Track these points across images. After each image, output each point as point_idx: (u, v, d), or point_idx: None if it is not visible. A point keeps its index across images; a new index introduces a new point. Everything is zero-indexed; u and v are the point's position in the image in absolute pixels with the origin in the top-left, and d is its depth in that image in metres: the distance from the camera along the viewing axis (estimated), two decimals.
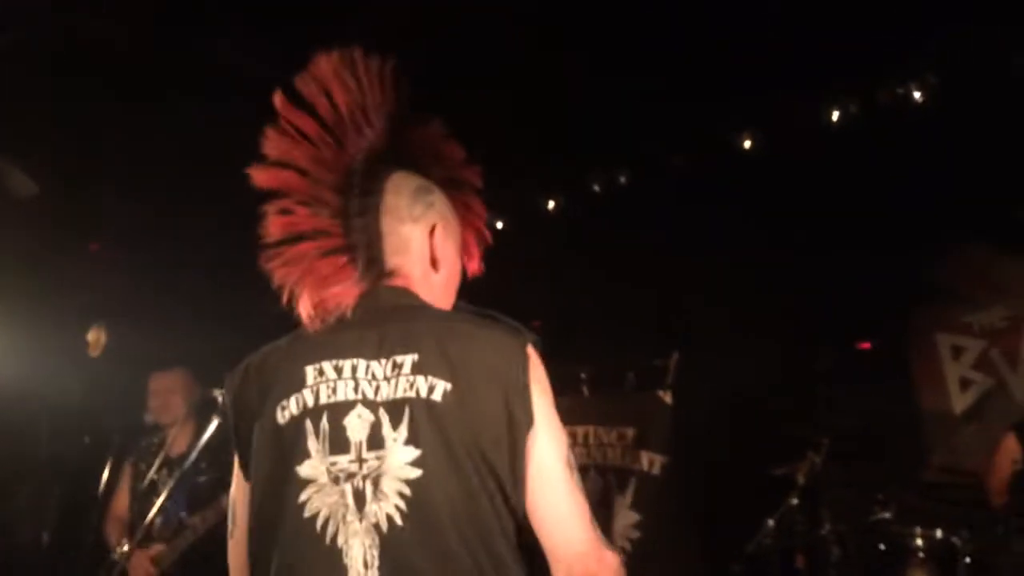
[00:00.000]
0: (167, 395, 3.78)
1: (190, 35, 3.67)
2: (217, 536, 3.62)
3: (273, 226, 1.56)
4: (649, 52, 4.01)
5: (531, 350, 1.50)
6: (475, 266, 1.75)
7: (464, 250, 1.72)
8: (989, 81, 4.10)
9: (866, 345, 5.75)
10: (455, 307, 1.65)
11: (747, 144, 4.56)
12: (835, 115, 4.26)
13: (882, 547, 4.23)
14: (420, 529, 1.40)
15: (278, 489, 1.47)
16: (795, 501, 4.28)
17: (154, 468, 3.50)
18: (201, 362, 3.76)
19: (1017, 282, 5.36)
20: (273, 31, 3.66)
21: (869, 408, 5.50)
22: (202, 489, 3.57)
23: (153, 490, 3.44)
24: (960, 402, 5.53)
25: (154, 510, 3.09)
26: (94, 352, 4.54)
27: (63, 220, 4.43)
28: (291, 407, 1.49)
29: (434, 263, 1.62)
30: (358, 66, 1.59)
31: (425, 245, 1.61)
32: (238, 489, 1.59)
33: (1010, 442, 4.23)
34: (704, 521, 4.84)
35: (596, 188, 5.18)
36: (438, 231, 1.62)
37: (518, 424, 1.44)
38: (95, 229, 4.63)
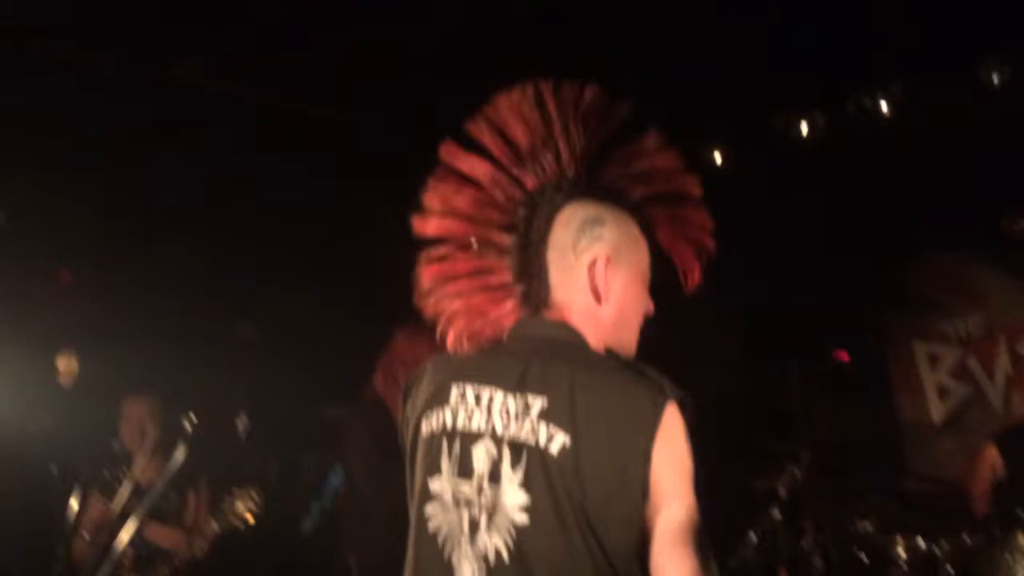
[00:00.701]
0: (140, 421, 3.74)
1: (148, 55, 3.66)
2: (193, 562, 3.58)
3: (427, 272, 1.60)
4: (619, 66, 4.02)
5: (668, 413, 1.43)
6: (694, 279, 1.71)
7: (681, 264, 1.70)
8: (958, 91, 4.14)
9: (843, 355, 5.76)
10: (609, 352, 1.58)
11: (718, 158, 4.57)
12: (804, 127, 4.28)
13: (864, 558, 4.22)
14: (520, 570, 1.42)
15: (417, 494, 1.56)
16: (777, 514, 4.26)
17: (122, 497, 3.44)
18: (169, 389, 3.72)
19: (993, 290, 5.40)
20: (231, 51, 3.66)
21: (848, 418, 5.51)
22: (171, 516, 3.52)
23: (122, 519, 3.38)
24: (938, 410, 5.55)
25: (125, 540, 3.03)
26: (65, 380, 4.50)
27: (32, 248, 4.39)
28: (433, 421, 1.56)
29: (596, 296, 1.57)
30: (545, 99, 1.59)
31: (588, 277, 1.57)
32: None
33: (990, 452, 4.24)
34: None
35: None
36: (599, 263, 1.57)
37: (635, 493, 1.40)
38: (65, 256, 4.59)
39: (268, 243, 4.47)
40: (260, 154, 4.17)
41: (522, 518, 1.44)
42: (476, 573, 1.46)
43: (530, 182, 1.59)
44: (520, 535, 1.43)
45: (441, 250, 1.60)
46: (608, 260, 1.57)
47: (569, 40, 3.76)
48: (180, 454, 2.88)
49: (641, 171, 1.64)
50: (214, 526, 3.44)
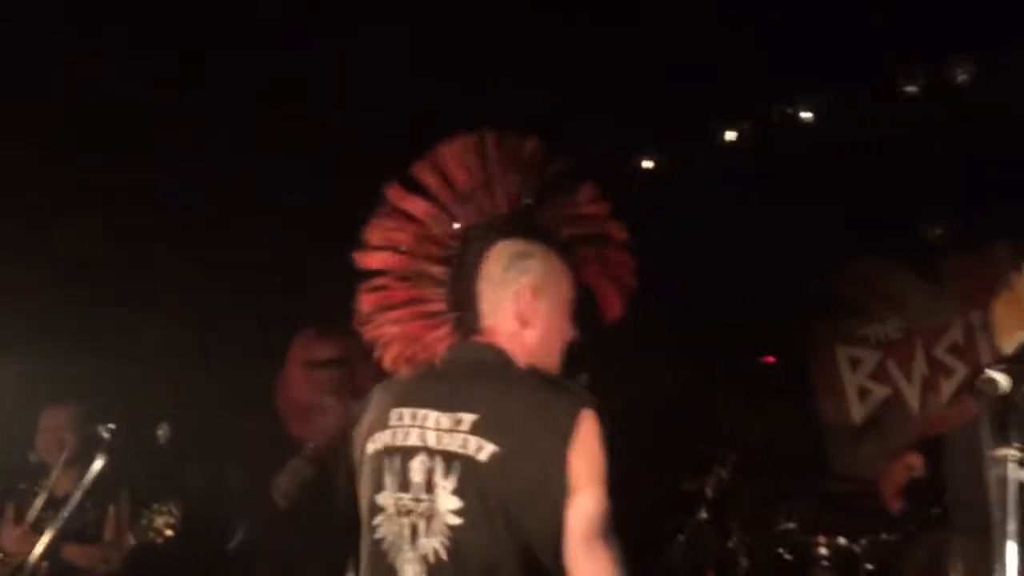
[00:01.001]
0: (59, 432, 3.62)
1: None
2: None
3: (366, 301, 1.78)
4: (548, 70, 4.06)
5: (584, 420, 1.61)
6: (614, 314, 1.88)
7: (603, 298, 1.86)
8: (878, 102, 4.26)
9: (770, 359, 5.89)
10: (532, 368, 1.76)
11: (646, 164, 4.64)
12: (730, 135, 4.37)
13: (788, 556, 4.32)
14: (456, 569, 1.62)
15: (367, 509, 1.76)
16: (704, 515, 4.33)
17: (37, 509, 3.34)
18: (89, 400, 3.63)
19: (911, 296, 5.58)
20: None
21: (773, 421, 5.64)
22: (89, 528, 3.43)
23: (38, 532, 3.28)
24: (859, 411, 5.71)
25: (39, 554, 2.94)
26: None
27: None
28: (377, 442, 1.76)
29: (522, 321, 1.75)
30: (487, 146, 1.78)
31: (513, 305, 1.75)
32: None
33: (911, 458, 4.36)
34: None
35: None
36: (525, 293, 1.75)
37: (554, 492, 1.59)
38: None
39: (193, 249, 4.40)
40: (182, 154, 4.11)
41: (456, 520, 1.63)
42: (417, 574, 1.65)
43: (465, 220, 1.76)
44: (455, 535, 1.62)
45: (381, 280, 1.77)
46: (533, 290, 1.75)
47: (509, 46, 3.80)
48: (97, 465, 2.80)
49: (572, 215, 1.82)
50: (131, 541, 3.36)
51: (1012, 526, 1.07)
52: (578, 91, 4.16)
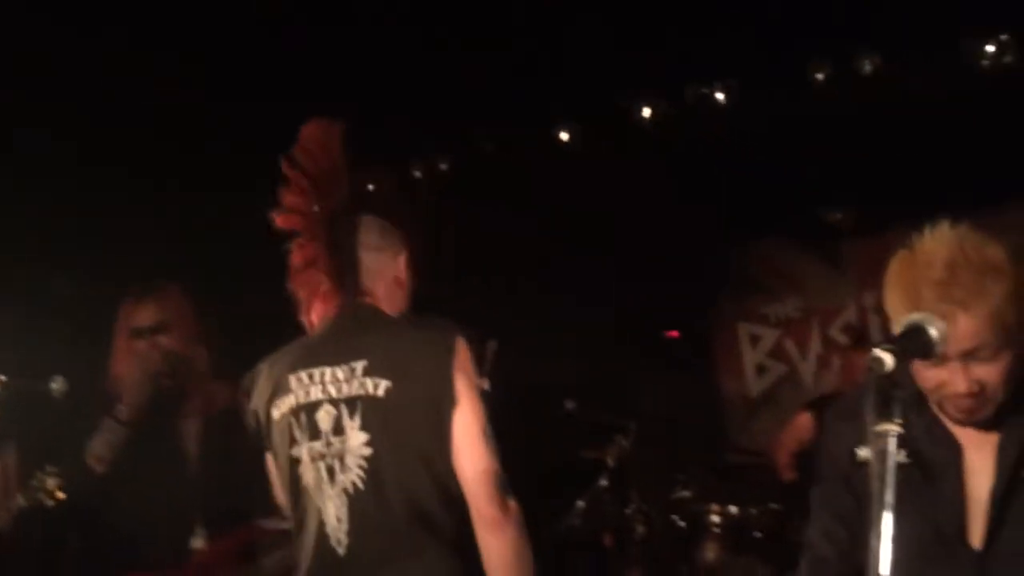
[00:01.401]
0: None
1: None
2: None
3: (295, 257, 2.05)
4: (470, 40, 4.04)
5: (457, 343, 1.94)
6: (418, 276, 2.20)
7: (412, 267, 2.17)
8: (788, 89, 4.38)
9: (674, 333, 6.04)
10: (404, 314, 2.10)
11: (564, 137, 4.67)
12: (646, 111, 4.44)
13: (682, 523, 4.46)
14: (374, 491, 1.89)
15: (284, 466, 2.00)
16: (604, 483, 4.42)
17: None
18: None
19: (810, 277, 5.79)
20: None
21: (675, 393, 5.79)
22: None
23: None
24: (756, 387, 5.93)
25: None
26: None
27: None
28: (281, 407, 1.99)
29: (400, 283, 2.11)
30: (336, 139, 2.09)
31: (389, 269, 2.10)
32: (270, 464, 2.11)
33: (802, 419, 4.54)
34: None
35: (417, 174, 5.16)
36: (402, 259, 2.11)
37: (443, 405, 1.89)
38: None
39: (91, 194, 4.24)
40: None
41: (367, 451, 1.90)
42: (339, 507, 1.91)
43: (329, 200, 2.06)
44: (369, 466, 1.90)
45: (299, 239, 2.06)
46: (404, 256, 2.12)
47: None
48: None
49: (391, 201, 2.30)
50: (20, 501, 3.23)
51: (889, 497, 1.13)
52: (498, 63, 4.17)
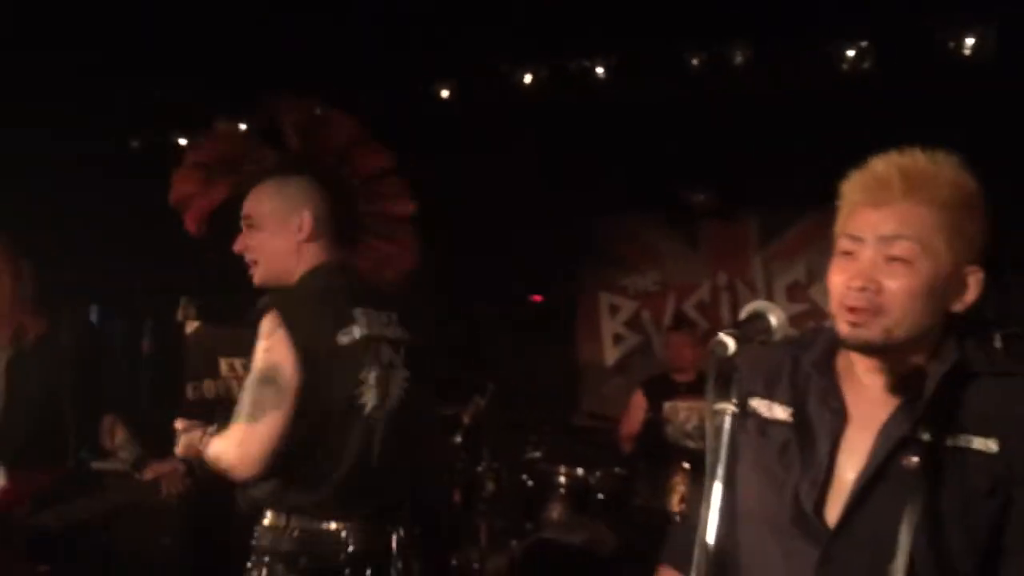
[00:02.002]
0: None
1: None
2: None
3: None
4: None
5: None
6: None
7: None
8: (665, 70, 4.49)
9: (538, 298, 6.16)
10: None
11: (444, 94, 4.65)
12: (527, 78, 4.46)
13: (530, 483, 4.60)
14: (406, 417, 2.20)
15: (341, 388, 2.14)
16: (458, 440, 4.48)
17: None
18: None
19: (669, 253, 6.01)
20: None
21: (533, 356, 5.92)
22: None
23: None
24: (611, 355, 6.13)
25: None
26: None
27: None
28: (352, 334, 2.13)
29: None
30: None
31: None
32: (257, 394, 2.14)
33: (638, 397, 4.77)
34: None
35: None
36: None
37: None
38: None
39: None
40: None
41: (406, 385, 2.20)
42: (383, 427, 2.13)
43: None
44: (406, 396, 2.20)
45: None
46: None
47: None
48: None
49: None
50: None
51: (720, 470, 1.18)
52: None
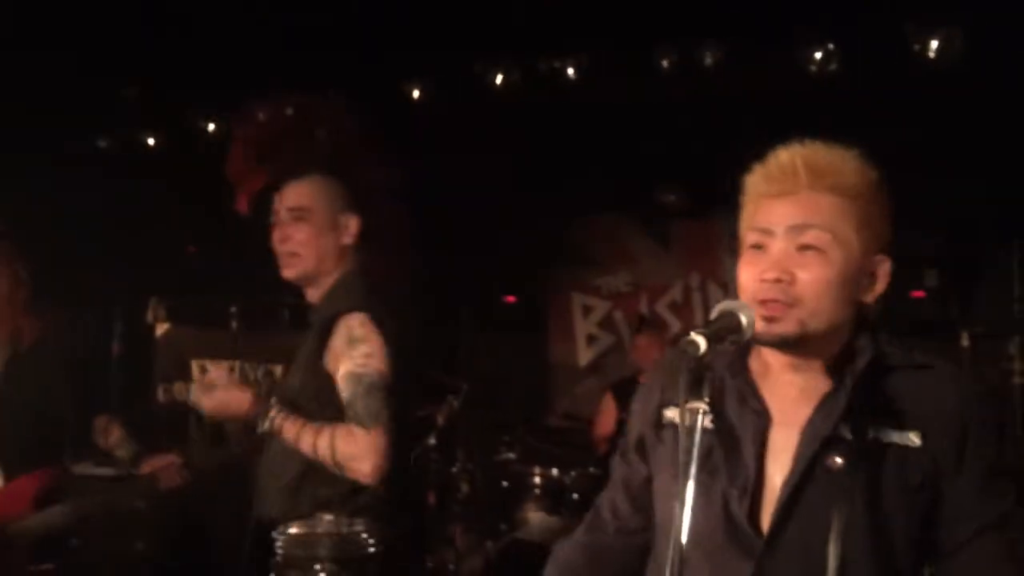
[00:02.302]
0: None
1: None
2: None
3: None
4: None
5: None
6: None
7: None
8: (634, 70, 4.51)
9: (511, 299, 6.16)
10: None
11: (415, 94, 4.64)
12: (499, 78, 4.47)
13: (505, 484, 4.59)
14: None
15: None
16: (432, 441, 4.47)
17: None
18: None
19: (641, 254, 6.04)
20: None
21: (506, 357, 5.92)
22: None
23: None
24: (585, 356, 6.15)
25: None
26: None
27: None
28: None
29: None
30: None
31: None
32: None
33: (609, 400, 4.79)
34: None
35: (261, 116, 4.97)
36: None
37: None
38: None
39: None
40: None
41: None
42: None
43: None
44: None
45: None
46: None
47: None
48: None
49: None
50: None
51: (693, 469, 1.17)
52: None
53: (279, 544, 1.94)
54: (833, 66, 3.98)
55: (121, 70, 4.49)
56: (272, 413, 2.08)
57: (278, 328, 5.02)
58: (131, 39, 4.19)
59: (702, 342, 1.21)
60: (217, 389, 2.14)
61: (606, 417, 4.79)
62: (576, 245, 6.14)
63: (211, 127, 5.14)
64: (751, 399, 1.40)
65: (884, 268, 1.39)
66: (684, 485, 1.17)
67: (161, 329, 4.87)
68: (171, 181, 5.08)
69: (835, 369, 1.37)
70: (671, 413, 1.47)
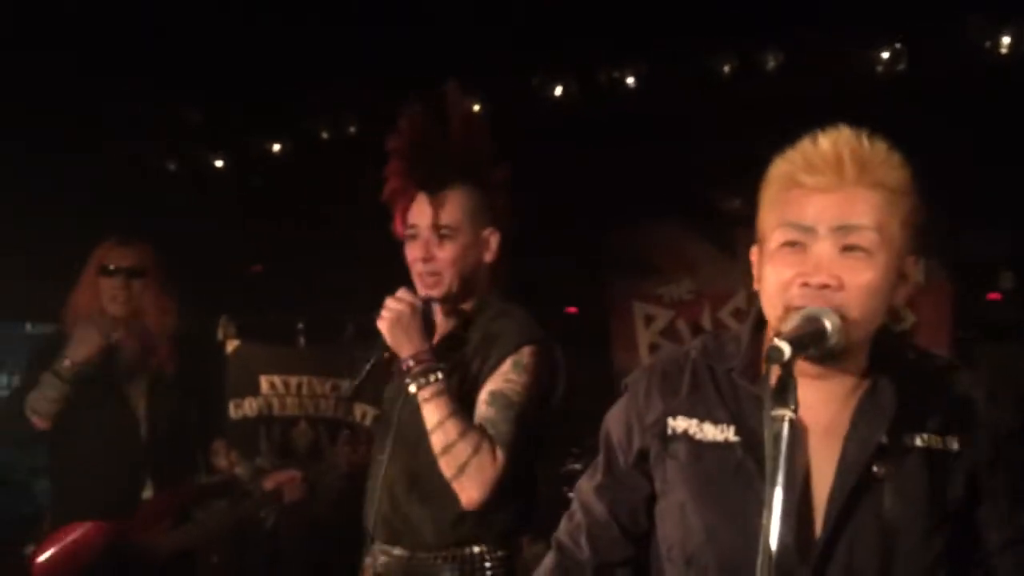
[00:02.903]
0: None
1: None
2: None
3: None
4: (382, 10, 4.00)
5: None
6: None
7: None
8: (690, 77, 4.49)
9: (573, 310, 6.16)
10: None
11: (476, 108, 4.67)
12: (558, 90, 4.48)
13: (571, 495, 4.57)
14: None
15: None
16: None
17: None
18: None
19: (703, 261, 5.98)
20: None
21: (570, 368, 5.90)
22: None
23: None
24: None
25: None
26: None
27: None
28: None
29: None
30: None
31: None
32: None
33: None
34: None
35: (325, 135, 5.08)
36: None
37: None
38: None
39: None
40: None
41: None
42: None
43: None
44: None
45: None
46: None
47: None
48: None
49: None
50: None
51: (780, 477, 1.13)
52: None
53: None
54: (901, 66, 3.91)
55: (185, 89, 4.58)
56: (439, 376, 1.93)
57: (343, 342, 5.10)
58: (192, 59, 4.28)
59: (787, 348, 1.16)
60: (402, 312, 1.97)
61: None
62: (637, 254, 6.11)
63: (276, 148, 5.26)
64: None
65: (915, 268, 1.31)
66: (771, 493, 1.12)
67: (231, 346, 4.98)
68: (236, 200, 5.21)
69: (862, 378, 1.30)
70: (682, 423, 1.39)
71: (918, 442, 1.26)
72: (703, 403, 1.38)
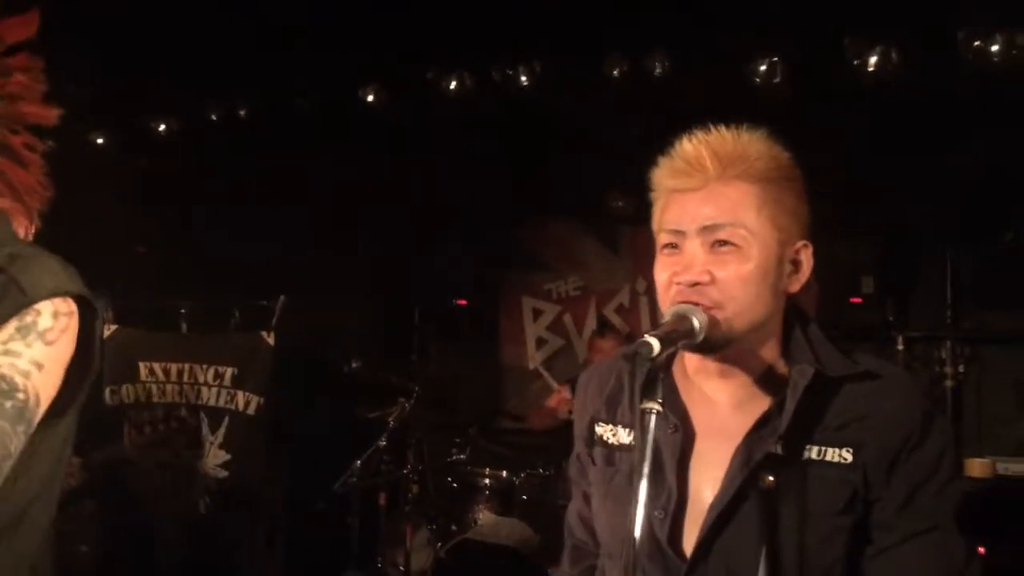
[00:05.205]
0: None
1: None
2: None
3: None
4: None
5: None
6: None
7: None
8: (586, 77, 4.57)
9: (463, 302, 6.20)
10: None
11: (369, 99, 4.65)
12: (453, 84, 4.50)
13: (455, 485, 4.63)
14: None
15: None
16: (383, 443, 4.49)
17: None
18: None
19: (591, 259, 6.11)
20: None
21: (458, 359, 5.97)
22: None
23: None
24: (534, 359, 6.21)
25: None
26: None
27: None
28: None
29: None
30: None
31: None
32: None
33: (564, 390, 4.85)
34: (294, 461, 4.93)
35: (214, 117, 4.95)
36: None
37: None
38: None
39: None
40: None
41: None
42: None
43: None
44: None
45: None
46: None
47: None
48: None
49: None
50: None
51: (646, 468, 1.15)
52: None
53: None
54: (777, 79, 4.10)
55: (71, 67, 4.41)
56: None
57: (227, 329, 5.00)
58: (78, 35, 4.12)
59: (656, 343, 1.18)
60: None
61: (556, 400, 4.86)
62: (526, 249, 6.20)
63: (162, 127, 5.10)
64: (670, 413, 1.31)
65: (807, 253, 1.33)
66: (638, 484, 1.13)
67: (108, 330, 4.80)
68: (119, 180, 5.03)
69: (770, 379, 1.31)
70: (601, 429, 1.43)
71: (813, 454, 1.26)
72: (618, 409, 1.41)
